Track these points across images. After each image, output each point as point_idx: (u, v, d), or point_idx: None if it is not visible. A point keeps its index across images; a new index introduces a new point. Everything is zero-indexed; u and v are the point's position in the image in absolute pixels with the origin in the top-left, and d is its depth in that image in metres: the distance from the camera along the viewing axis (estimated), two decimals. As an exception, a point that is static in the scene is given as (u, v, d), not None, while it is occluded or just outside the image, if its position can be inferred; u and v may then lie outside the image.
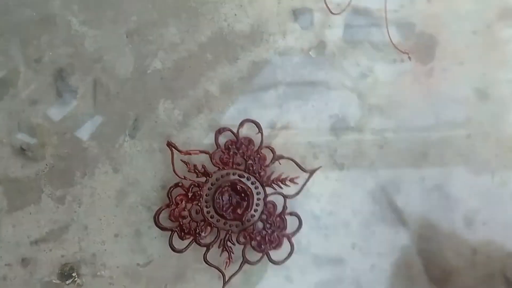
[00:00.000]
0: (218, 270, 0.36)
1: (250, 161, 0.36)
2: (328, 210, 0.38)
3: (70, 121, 0.37)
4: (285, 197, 0.37)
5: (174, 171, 0.36)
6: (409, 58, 0.39)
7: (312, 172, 0.37)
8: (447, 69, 0.39)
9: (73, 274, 0.36)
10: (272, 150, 0.37)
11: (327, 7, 0.38)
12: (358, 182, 0.38)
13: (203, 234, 0.36)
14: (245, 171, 0.36)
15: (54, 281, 0.37)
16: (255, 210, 0.36)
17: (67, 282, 0.36)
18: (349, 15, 0.38)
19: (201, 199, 0.36)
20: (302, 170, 0.37)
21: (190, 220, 0.36)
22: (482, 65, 0.39)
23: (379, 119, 0.38)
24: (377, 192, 0.38)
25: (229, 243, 0.36)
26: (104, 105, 0.37)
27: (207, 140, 0.38)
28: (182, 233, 0.36)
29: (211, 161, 0.36)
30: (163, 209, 0.36)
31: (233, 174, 0.36)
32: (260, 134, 0.37)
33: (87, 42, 0.38)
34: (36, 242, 0.37)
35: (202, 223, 0.36)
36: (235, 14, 0.38)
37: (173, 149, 0.36)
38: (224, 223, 0.36)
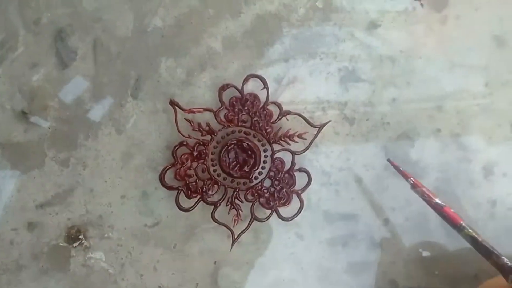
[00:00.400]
0: (227, 227, 0.35)
1: (256, 118, 0.35)
2: (339, 166, 0.36)
3: (71, 83, 0.36)
4: (293, 153, 0.35)
5: (178, 130, 0.35)
6: (421, 5, 0.37)
7: (321, 127, 0.35)
8: (461, 15, 0.37)
9: (80, 237, 0.36)
10: (279, 106, 0.35)
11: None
12: (369, 137, 0.36)
13: (210, 192, 0.35)
14: (251, 128, 0.35)
15: (61, 244, 0.36)
16: (263, 168, 0.35)
17: (75, 244, 0.36)
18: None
19: (206, 157, 0.35)
20: (311, 125, 0.35)
21: (196, 179, 0.35)
22: (498, 9, 0.37)
23: (391, 70, 0.36)
24: (390, 146, 0.36)
25: (237, 201, 0.35)
26: (105, 65, 0.36)
27: (212, 98, 0.36)
28: (189, 192, 0.35)
29: (216, 119, 0.35)
30: (168, 168, 0.35)
31: (239, 131, 0.35)
32: (265, 89, 0.35)
33: (85, 1, 0.37)
34: (42, 206, 0.36)
35: (209, 181, 0.35)
36: (237, -34, 0.37)
37: (176, 107, 0.35)
38: (231, 181, 0.35)
